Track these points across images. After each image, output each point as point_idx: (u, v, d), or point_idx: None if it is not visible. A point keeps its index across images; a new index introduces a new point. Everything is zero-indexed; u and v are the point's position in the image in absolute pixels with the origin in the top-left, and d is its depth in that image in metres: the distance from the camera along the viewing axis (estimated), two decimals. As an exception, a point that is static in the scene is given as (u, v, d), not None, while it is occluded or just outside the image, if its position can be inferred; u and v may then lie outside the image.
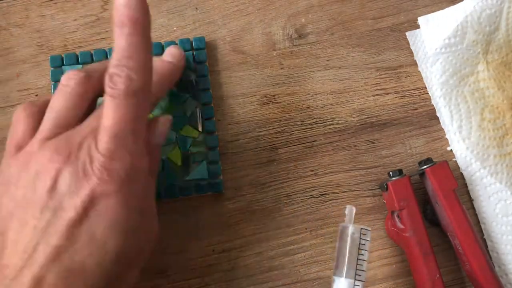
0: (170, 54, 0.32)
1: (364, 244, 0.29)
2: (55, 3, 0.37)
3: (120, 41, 0.23)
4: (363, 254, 0.29)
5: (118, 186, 0.23)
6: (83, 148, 0.24)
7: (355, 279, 0.28)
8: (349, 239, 0.29)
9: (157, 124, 0.28)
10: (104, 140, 0.23)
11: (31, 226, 0.23)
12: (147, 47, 0.24)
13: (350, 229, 0.29)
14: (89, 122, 0.26)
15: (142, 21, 0.23)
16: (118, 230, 0.24)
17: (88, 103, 0.27)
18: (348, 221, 0.30)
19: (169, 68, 0.32)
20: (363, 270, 0.29)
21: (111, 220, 0.23)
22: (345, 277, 0.29)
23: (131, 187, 0.24)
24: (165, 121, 0.29)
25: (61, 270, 0.22)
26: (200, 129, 0.34)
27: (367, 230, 0.30)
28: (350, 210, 0.30)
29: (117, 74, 0.23)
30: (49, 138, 0.25)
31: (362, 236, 0.29)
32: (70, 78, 0.27)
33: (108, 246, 0.23)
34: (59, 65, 0.35)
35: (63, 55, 0.35)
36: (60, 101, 0.27)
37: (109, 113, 0.24)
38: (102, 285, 0.23)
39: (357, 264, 0.29)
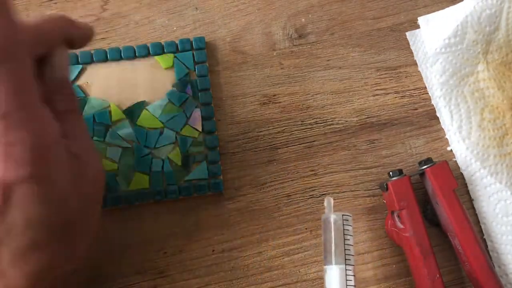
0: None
1: (348, 230, 0.30)
2: (55, 3, 0.37)
3: None
4: (348, 239, 0.30)
5: (29, 168, 0.21)
6: None
7: (345, 264, 0.29)
8: (333, 227, 0.30)
9: (52, 57, 0.26)
10: None
11: None
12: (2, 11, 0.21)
13: (332, 217, 0.30)
14: None
15: None
16: (50, 202, 0.22)
17: None
18: (329, 211, 0.31)
19: (62, 16, 0.27)
20: (351, 255, 0.30)
21: (39, 200, 0.22)
22: (335, 263, 0.29)
23: (45, 162, 0.22)
24: (60, 52, 0.26)
25: (12, 253, 0.22)
26: (200, 129, 0.34)
27: (348, 216, 0.30)
28: (329, 201, 0.31)
29: None
30: None
31: (345, 222, 0.30)
32: None
33: (51, 219, 0.22)
34: (59, 65, 0.35)
35: (63, 55, 0.35)
36: None
37: None
38: (63, 246, 0.24)
39: (345, 249, 0.29)
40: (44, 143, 0.22)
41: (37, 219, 0.22)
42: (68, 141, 0.25)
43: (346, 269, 0.29)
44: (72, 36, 0.27)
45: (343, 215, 0.30)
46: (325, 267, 0.30)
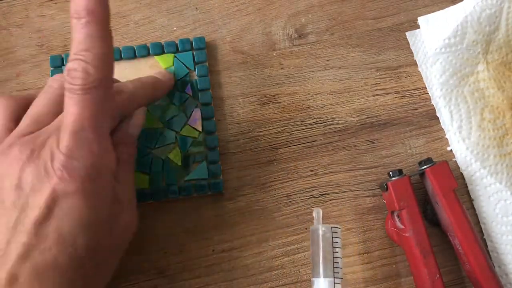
0: (159, 72, 0.33)
1: (337, 242, 0.30)
2: (55, 3, 0.37)
3: (76, 34, 0.23)
4: (337, 252, 0.29)
5: (78, 184, 0.23)
6: (46, 146, 0.24)
7: (334, 277, 0.29)
8: (321, 239, 0.29)
9: (133, 115, 0.29)
10: (65, 138, 0.23)
11: (3, 224, 0.23)
12: (106, 39, 0.23)
13: (321, 229, 0.30)
14: (57, 120, 0.26)
15: (99, 12, 0.23)
16: (84, 227, 0.23)
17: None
18: (317, 222, 0.30)
19: (154, 81, 0.32)
20: (339, 268, 0.29)
21: (75, 219, 0.23)
22: (323, 276, 0.29)
23: (93, 185, 0.24)
24: (139, 113, 0.29)
25: (33, 267, 0.22)
26: (200, 129, 0.34)
27: (337, 227, 0.30)
28: (318, 212, 0.31)
29: (74, 69, 0.23)
30: (25, 135, 0.25)
31: (334, 235, 0.30)
32: (55, 79, 0.27)
33: (78, 243, 0.23)
34: (59, 65, 0.35)
35: (63, 55, 0.35)
36: (42, 100, 0.27)
37: (69, 110, 0.23)
38: (77, 279, 0.23)
39: (333, 262, 0.29)
40: (99, 167, 0.24)
41: (68, 238, 0.23)
42: (116, 183, 0.26)
43: (334, 282, 0.29)
44: (157, 94, 0.32)
45: (332, 227, 0.30)
46: (313, 279, 0.29)
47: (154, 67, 0.35)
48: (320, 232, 0.29)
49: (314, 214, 0.31)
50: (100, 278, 0.26)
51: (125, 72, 0.35)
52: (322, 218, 0.33)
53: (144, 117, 0.30)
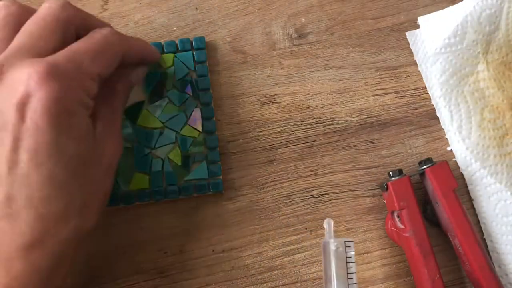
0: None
1: (350, 257, 0.28)
2: (55, 3, 0.37)
3: None
4: (351, 267, 0.28)
5: (47, 112, 0.23)
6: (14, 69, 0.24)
7: None
8: (333, 254, 0.28)
9: (139, 67, 0.31)
10: (36, 64, 0.23)
11: None
12: None
13: (333, 244, 0.28)
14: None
15: None
16: (51, 152, 0.23)
17: (63, 35, 0.27)
18: (329, 236, 0.29)
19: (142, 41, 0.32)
20: (354, 283, 0.28)
21: (41, 141, 0.23)
22: None
23: (64, 116, 0.24)
24: (143, 67, 0.32)
25: (23, 186, 0.23)
26: (200, 129, 0.34)
27: (350, 241, 0.29)
28: (329, 224, 0.29)
29: None
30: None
31: (347, 249, 0.28)
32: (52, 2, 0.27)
33: (50, 167, 0.23)
34: (59, 65, 0.35)
35: (63, 55, 0.35)
36: (35, 26, 0.26)
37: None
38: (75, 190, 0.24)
39: (348, 278, 0.28)
40: (73, 99, 0.24)
41: (53, 143, 0.23)
42: (95, 120, 0.27)
43: None
44: (144, 52, 0.32)
45: (345, 241, 0.28)
46: None
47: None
48: (333, 247, 0.28)
49: (325, 226, 0.29)
50: (101, 188, 0.27)
51: (125, 72, 0.35)
52: (323, 218, 0.33)
53: (145, 71, 0.32)
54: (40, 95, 0.23)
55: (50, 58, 0.24)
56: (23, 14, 0.27)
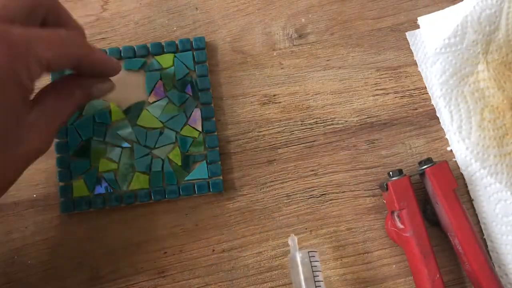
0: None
1: (316, 266, 0.29)
2: (55, 3, 0.37)
3: None
4: (318, 276, 0.29)
5: None
6: None
7: None
8: (300, 265, 0.29)
9: (104, 81, 0.31)
10: None
11: None
12: None
13: (299, 255, 0.29)
14: None
15: None
16: None
17: (29, 13, 0.26)
18: (294, 250, 0.30)
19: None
20: None
21: None
22: None
23: None
24: (110, 83, 0.31)
25: None
26: (200, 129, 0.34)
27: (314, 251, 0.30)
28: (293, 240, 0.31)
29: None
30: None
31: (312, 259, 0.29)
32: None
33: None
34: (59, 65, 0.35)
35: (63, 55, 0.35)
36: None
37: None
38: None
39: (315, 286, 0.29)
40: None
41: None
42: (43, 99, 0.27)
43: None
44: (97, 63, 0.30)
45: (309, 251, 0.30)
46: None
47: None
48: (299, 259, 0.29)
49: (290, 242, 0.31)
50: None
51: (125, 72, 0.35)
52: (323, 218, 0.33)
53: (112, 88, 0.31)
54: None
55: (5, 26, 0.24)
56: None
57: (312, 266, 0.29)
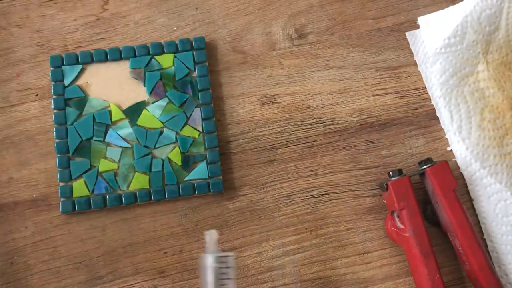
0: None
1: (225, 273, 0.26)
2: (55, 3, 0.37)
3: None
4: (227, 284, 0.26)
5: None
6: None
7: None
8: (209, 270, 0.26)
9: None
10: None
11: None
12: None
13: (209, 259, 0.26)
14: None
15: None
16: None
17: None
18: (209, 249, 0.26)
19: None
20: None
21: None
22: None
23: None
24: None
25: None
26: (200, 129, 0.34)
27: (226, 257, 0.26)
28: (211, 237, 0.27)
29: None
30: None
31: (221, 265, 0.26)
32: None
33: None
34: (59, 65, 0.35)
35: (63, 55, 0.35)
36: None
37: None
38: None
39: None
40: None
41: None
42: None
43: None
44: None
45: (219, 256, 0.26)
46: None
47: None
48: (209, 263, 0.26)
49: (206, 239, 0.27)
50: None
51: (125, 72, 0.35)
52: (323, 218, 0.33)
53: None
54: None
55: None
56: None
57: (221, 274, 0.26)
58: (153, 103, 0.34)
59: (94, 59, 0.35)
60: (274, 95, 0.36)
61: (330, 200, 0.34)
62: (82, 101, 0.34)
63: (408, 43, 0.37)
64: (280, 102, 0.36)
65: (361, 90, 0.36)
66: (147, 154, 0.34)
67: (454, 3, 0.36)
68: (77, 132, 0.34)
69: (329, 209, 0.34)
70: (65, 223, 0.33)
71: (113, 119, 0.34)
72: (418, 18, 0.37)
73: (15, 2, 0.37)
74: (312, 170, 0.34)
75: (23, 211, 0.33)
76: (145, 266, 0.33)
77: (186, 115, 0.34)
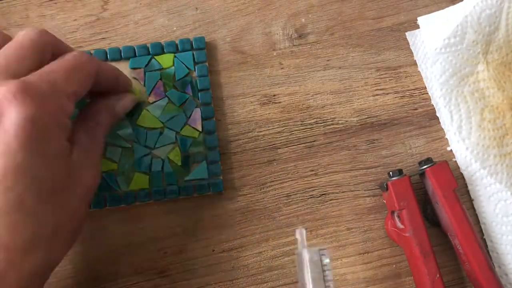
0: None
1: (326, 265, 0.27)
2: (55, 3, 0.37)
3: None
4: (327, 275, 0.27)
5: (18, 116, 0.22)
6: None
7: None
8: (308, 264, 0.27)
9: (122, 97, 0.32)
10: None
11: None
12: None
13: (307, 253, 0.27)
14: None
15: None
16: (20, 176, 0.22)
17: (40, 58, 0.26)
18: (302, 246, 0.28)
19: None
20: None
21: (9, 137, 0.22)
22: None
23: (38, 136, 0.23)
24: (129, 97, 0.32)
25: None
26: (200, 129, 0.34)
27: (324, 249, 0.28)
28: (301, 234, 0.28)
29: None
30: None
31: (322, 258, 0.27)
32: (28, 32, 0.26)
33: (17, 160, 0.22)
34: (59, 65, 0.35)
35: (63, 55, 0.35)
36: (12, 49, 0.25)
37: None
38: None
39: (325, 286, 0.27)
40: (45, 116, 0.23)
41: (24, 166, 0.22)
42: (72, 145, 0.26)
43: None
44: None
45: (319, 249, 0.27)
46: None
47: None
48: (307, 257, 0.27)
49: (297, 236, 0.28)
50: (72, 225, 0.26)
51: (125, 72, 0.35)
52: (323, 218, 0.33)
53: (133, 101, 0.33)
54: (14, 114, 0.22)
55: (25, 78, 0.23)
56: (1, 39, 0.27)
57: (322, 265, 0.27)
58: (153, 103, 0.34)
59: (94, 59, 0.35)
60: (274, 95, 0.36)
61: (330, 200, 0.34)
62: (82, 101, 0.34)
63: (408, 43, 0.37)
64: (280, 102, 0.36)
65: (361, 90, 0.36)
66: (147, 154, 0.34)
67: (454, 3, 0.36)
68: (77, 132, 0.34)
69: (329, 209, 0.34)
70: (65, 223, 0.33)
71: (113, 119, 0.34)
72: (418, 18, 0.37)
73: (15, 2, 0.37)
74: (312, 170, 0.34)
75: (23, 211, 0.33)
76: (145, 266, 0.33)
77: (186, 115, 0.34)
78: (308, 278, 0.27)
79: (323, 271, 0.28)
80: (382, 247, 0.33)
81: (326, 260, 0.28)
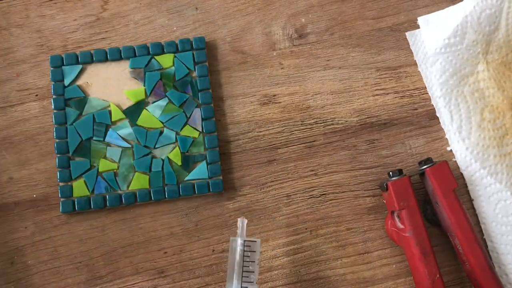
0: None
1: (248, 256, 0.29)
2: (55, 3, 0.37)
3: None
4: (248, 266, 0.28)
5: None
6: None
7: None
8: (237, 252, 0.29)
9: None
10: None
11: None
12: None
13: (238, 242, 0.29)
14: None
15: None
16: None
17: None
18: (239, 234, 0.29)
19: None
20: (250, 282, 0.28)
21: None
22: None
23: None
24: None
25: None
26: (200, 129, 0.34)
27: (254, 241, 0.29)
28: (242, 223, 0.30)
29: None
30: None
31: (246, 248, 0.29)
32: None
33: None
34: (59, 65, 0.35)
35: (63, 55, 0.35)
36: None
37: None
38: None
39: (242, 276, 0.28)
40: None
41: None
42: None
43: None
44: None
45: (245, 241, 0.29)
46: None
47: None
48: (237, 245, 0.29)
49: (238, 223, 0.30)
50: None
51: (125, 72, 0.35)
52: (323, 218, 0.33)
53: None
54: None
55: None
56: None
57: (244, 257, 0.29)
58: (153, 103, 0.34)
59: (94, 59, 0.35)
60: (274, 95, 0.36)
61: (330, 200, 0.34)
62: (82, 101, 0.34)
63: (408, 43, 0.37)
64: (280, 102, 0.36)
65: (361, 90, 0.36)
66: (147, 154, 0.34)
67: (454, 3, 0.36)
68: (77, 132, 0.34)
69: (329, 209, 0.34)
70: (65, 223, 0.33)
71: (113, 119, 0.34)
72: (418, 18, 0.37)
73: (15, 2, 0.37)
74: (312, 170, 0.34)
75: (23, 211, 0.33)
76: (145, 266, 0.33)
77: (186, 115, 0.34)
78: (234, 264, 0.28)
79: (246, 261, 0.28)
80: (382, 247, 0.33)
81: (251, 252, 0.29)
